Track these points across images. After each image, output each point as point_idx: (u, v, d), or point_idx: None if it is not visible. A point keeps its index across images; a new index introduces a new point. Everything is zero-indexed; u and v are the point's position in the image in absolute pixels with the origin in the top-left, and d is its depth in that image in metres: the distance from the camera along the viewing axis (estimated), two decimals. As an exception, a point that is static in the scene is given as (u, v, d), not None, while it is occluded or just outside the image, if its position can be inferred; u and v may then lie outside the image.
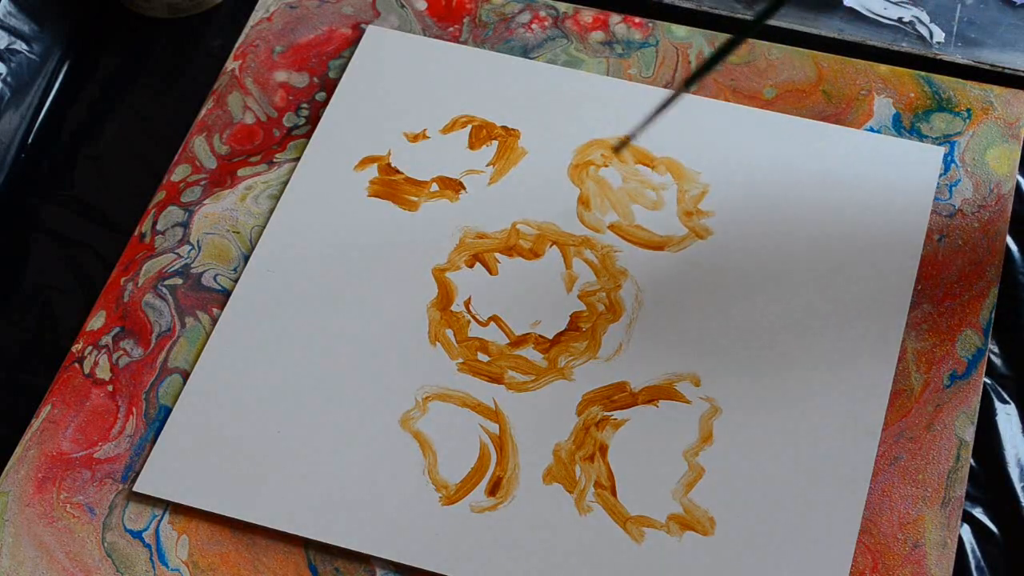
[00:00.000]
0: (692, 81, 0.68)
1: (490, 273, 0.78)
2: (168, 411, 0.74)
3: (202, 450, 0.72)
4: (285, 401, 0.74)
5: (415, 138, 0.82)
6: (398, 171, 0.81)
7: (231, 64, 0.86)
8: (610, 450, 0.72)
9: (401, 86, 0.84)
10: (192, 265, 0.79)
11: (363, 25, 0.87)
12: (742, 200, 0.79)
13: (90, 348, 0.76)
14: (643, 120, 0.70)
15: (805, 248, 0.77)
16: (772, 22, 0.86)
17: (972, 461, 0.72)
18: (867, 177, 0.79)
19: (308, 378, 0.74)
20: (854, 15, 0.86)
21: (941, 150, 0.80)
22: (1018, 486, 0.71)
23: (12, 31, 0.86)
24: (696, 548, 0.69)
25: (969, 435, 0.71)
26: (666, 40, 0.85)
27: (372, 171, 0.81)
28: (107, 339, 0.77)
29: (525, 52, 0.86)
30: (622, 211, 0.79)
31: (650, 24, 0.86)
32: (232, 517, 0.71)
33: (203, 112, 0.84)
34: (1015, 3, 0.86)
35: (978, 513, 0.71)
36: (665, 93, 0.73)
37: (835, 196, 0.79)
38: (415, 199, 0.80)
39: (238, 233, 0.80)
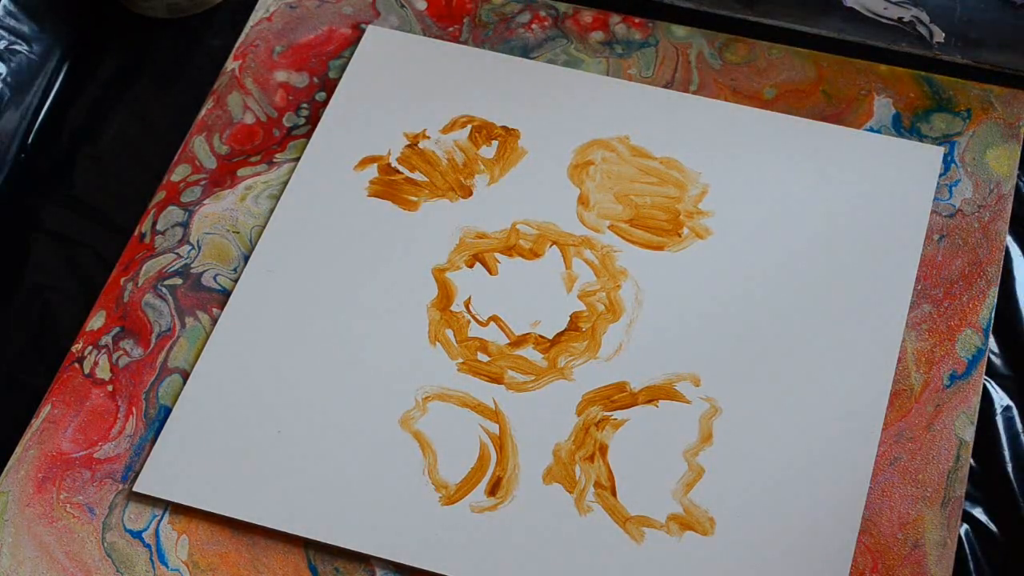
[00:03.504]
0: None
1: (490, 273, 0.78)
2: (168, 411, 0.74)
3: (202, 450, 0.72)
4: (285, 401, 0.74)
5: (415, 138, 0.82)
6: (398, 171, 0.81)
7: (231, 64, 0.86)
8: (610, 450, 0.72)
9: (401, 86, 0.84)
10: (192, 265, 0.79)
11: (363, 25, 0.88)
12: (742, 200, 0.79)
13: (90, 348, 0.76)
14: None
15: (805, 248, 0.77)
16: (772, 22, 0.86)
17: (972, 461, 0.72)
18: (867, 177, 0.79)
19: (308, 378, 0.74)
20: (854, 15, 0.86)
21: (941, 150, 0.80)
22: (1018, 486, 0.71)
23: (12, 31, 0.86)
24: (696, 548, 0.69)
25: (969, 435, 0.71)
26: (666, 40, 0.86)
27: (372, 171, 0.81)
28: (107, 339, 0.77)
29: (525, 52, 0.86)
30: (624, 207, 0.79)
31: (650, 24, 0.86)
32: (232, 517, 0.71)
33: (203, 112, 0.84)
34: (1015, 3, 0.86)
35: (978, 513, 0.71)
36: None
37: (835, 196, 0.79)
38: (415, 199, 0.80)
39: (238, 233, 0.80)
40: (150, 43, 0.89)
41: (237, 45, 0.87)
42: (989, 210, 0.78)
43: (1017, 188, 0.79)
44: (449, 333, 0.76)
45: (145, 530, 0.71)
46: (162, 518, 0.71)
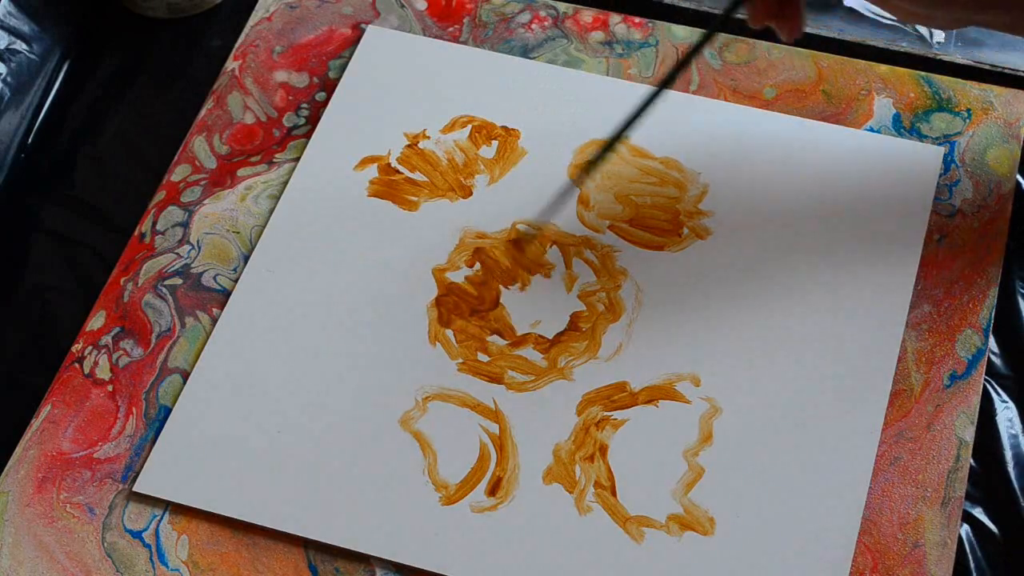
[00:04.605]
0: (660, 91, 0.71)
1: (490, 273, 0.78)
2: (168, 411, 0.74)
3: (202, 450, 0.72)
4: (285, 401, 0.74)
5: (415, 138, 0.82)
6: (398, 171, 0.81)
7: (231, 64, 0.86)
8: (610, 450, 0.72)
9: (401, 86, 0.84)
10: (192, 265, 0.79)
11: (363, 25, 0.88)
12: (742, 200, 0.79)
13: (90, 348, 0.76)
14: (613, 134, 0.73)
15: (805, 248, 0.77)
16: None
17: (972, 461, 0.72)
18: (867, 177, 0.79)
19: (308, 378, 0.74)
20: (854, 15, 0.86)
21: (941, 150, 0.80)
22: (1018, 486, 0.71)
23: (12, 31, 0.86)
24: (696, 548, 0.69)
25: (969, 435, 0.71)
26: (666, 40, 0.85)
27: (372, 171, 0.81)
28: (107, 339, 0.77)
29: (525, 52, 0.86)
30: (624, 207, 0.79)
31: (650, 24, 0.86)
32: (232, 517, 0.71)
33: (203, 112, 0.84)
34: (1015, 3, 0.86)
35: (978, 513, 0.71)
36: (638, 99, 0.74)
37: (835, 196, 0.79)
38: (415, 199, 0.80)
39: (238, 233, 0.80)
40: (150, 43, 0.89)
41: (237, 45, 0.87)
42: (989, 210, 0.78)
43: (1017, 188, 0.79)
44: (449, 333, 0.76)
45: (145, 530, 0.71)
46: (162, 518, 0.71)
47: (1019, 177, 0.80)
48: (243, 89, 0.85)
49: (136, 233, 0.80)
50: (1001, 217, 0.78)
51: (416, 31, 0.87)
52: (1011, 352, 0.75)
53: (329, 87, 0.85)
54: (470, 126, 0.83)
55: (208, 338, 0.76)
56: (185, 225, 0.80)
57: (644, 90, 0.72)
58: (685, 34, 0.85)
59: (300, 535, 0.70)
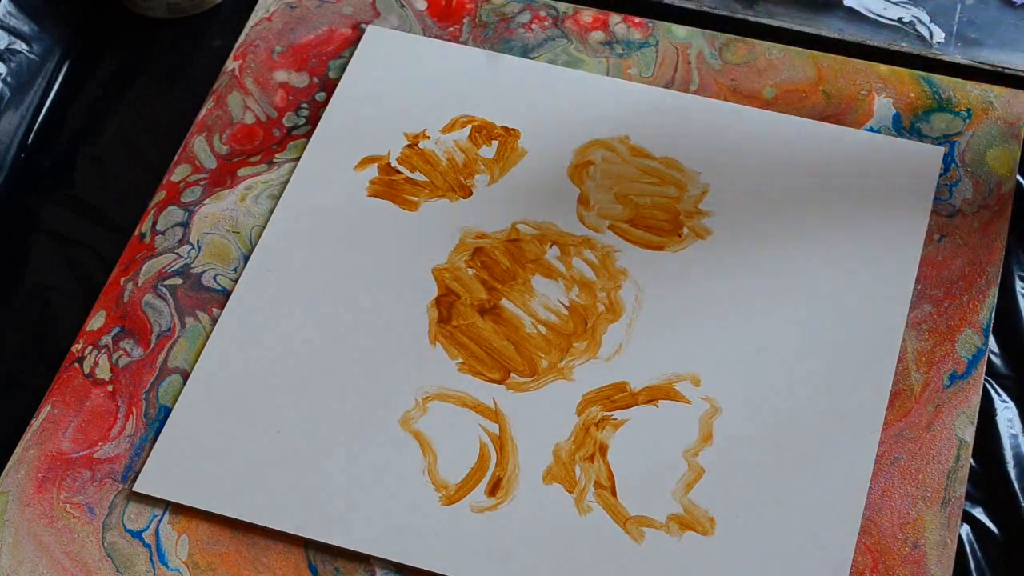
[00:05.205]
0: None
1: (490, 273, 0.78)
2: (168, 411, 0.74)
3: (202, 450, 0.72)
4: (285, 401, 0.74)
5: (415, 138, 0.82)
6: (398, 171, 0.81)
7: (231, 64, 0.86)
8: (610, 450, 0.72)
9: (401, 86, 0.84)
10: (192, 265, 0.79)
11: (363, 25, 0.88)
12: (742, 200, 0.79)
13: (90, 348, 0.76)
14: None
15: (805, 248, 0.77)
16: (772, 22, 0.86)
17: (972, 461, 0.72)
18: (867, 177, 0.79)
19: (308, 378, 0.74)
20: (854, 15, 0.86)
21: (941, 150, 0.80)
22: (1018, 486, 0.71)
23: (12, 31, 0.86)
24: (696, 548, 0.69)
25: (969, 435, 0.71)
26: (666, 40, 0.86)
27: (372, 171, 0.81)
28: (107, 339, 0.77)
29: (525, 52, 0.86)
30: (624, 207, 0.79)
31: (650, 24, 0.86)
32: (232, 517, 0.71)
33: (203, 112, 0.84)
34: (1015, 3, 0.86)
35: (978, 513, 0.71)
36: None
37: (835, 196, 0.79)
38: (415, 199, 0.80)
39: (238, 233, 0.80)
40: (150, 43, 0.89)
41: (237, 45, 0.87)
42: (989, 210, 0.78)
43: (1017, 188, 0.79)
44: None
45: (145, 530, 0.71)
46: (162, 518, 0.71)
47: (1019, 177, 0.80)
48: (243, 89, 0.85)
49: (136, 233, 0.80)
50: (1001, 217, 0.78)
51: (416, 31, 0.87)
52: (1011, 352, 0.75)
53: (329, 87, 0.85)
54: (470, 126, 0.83)
55: (208, 338, 0.76)
56: (185, 225, 0.80)
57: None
58: (685, 34, 0.85)
59: (300, 535, 0.70)
